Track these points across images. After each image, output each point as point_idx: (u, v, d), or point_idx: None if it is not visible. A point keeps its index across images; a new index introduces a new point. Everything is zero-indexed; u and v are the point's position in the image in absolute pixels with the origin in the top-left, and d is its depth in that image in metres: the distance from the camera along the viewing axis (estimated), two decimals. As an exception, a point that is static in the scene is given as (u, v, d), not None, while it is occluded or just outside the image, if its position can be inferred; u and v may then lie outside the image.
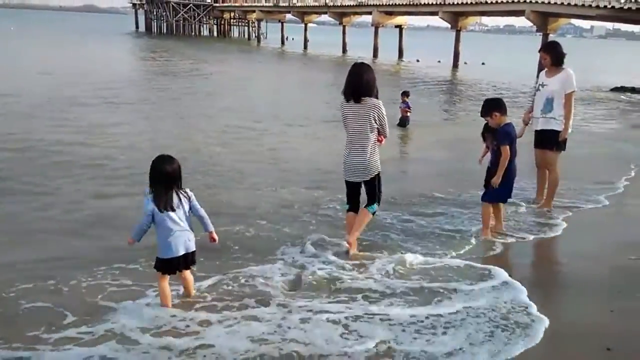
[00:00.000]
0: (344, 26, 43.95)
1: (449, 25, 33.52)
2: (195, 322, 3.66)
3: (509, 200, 5.68)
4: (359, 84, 4.61)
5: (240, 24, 66.48)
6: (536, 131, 6.25)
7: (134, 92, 16.07)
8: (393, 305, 3.96)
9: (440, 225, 5.68)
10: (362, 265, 4.65)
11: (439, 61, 36.54)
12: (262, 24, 59.16)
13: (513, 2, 27.22)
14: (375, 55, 38.00)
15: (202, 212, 3.78)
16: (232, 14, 64.65)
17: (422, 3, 33.32)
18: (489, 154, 5.47)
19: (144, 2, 70.47)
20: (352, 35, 45.21)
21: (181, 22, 63.48)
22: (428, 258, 4.78)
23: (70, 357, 3.24)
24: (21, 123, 10.29)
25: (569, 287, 4.48)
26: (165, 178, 3.60)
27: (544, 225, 5.81)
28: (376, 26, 38.41)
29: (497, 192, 5.29)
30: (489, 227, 5.41)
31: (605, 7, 22.03)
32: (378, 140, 4.74)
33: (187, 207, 3.68)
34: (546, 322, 3.68)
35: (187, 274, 3.88)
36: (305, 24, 49.36)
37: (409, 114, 11.57)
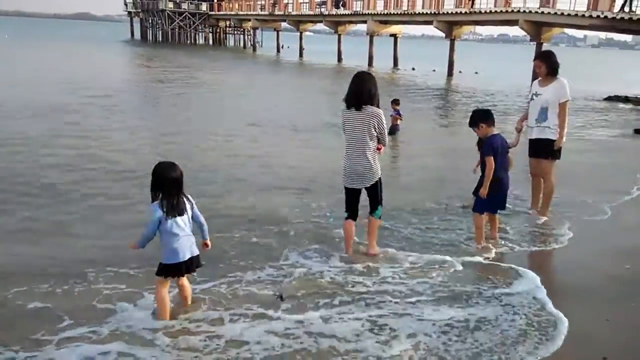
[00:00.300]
0: (339, 35, 44.14)
1: (444, 35, 33.73)
2: (207, 321, 3.78)
3: (505, 209, 5.71)
4: (361, 92, 4.68)
5: (235, 32, 66.60)
6: (531, 140, 6.28)
7: (132, 99, 16.06)
8: (416, 305, 4.12)
9: (431, 235, 5.68)
10: (372, 269, 4.74)
11: (434, 70, 36.78)
12: (258, 32, 59.34)
13: (507, 11, 27.41)
14: (370, 63, 38.14)
15: (202, 219, 3.87)
16: (228, 23, 64.77)
17: (417, 12, 33.50)
18: None
19: (139, 10, 70.55)
20: (347, 44, 45.38)
21: (177, 30, 63.50)
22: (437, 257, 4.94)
23: (83, 353, 3.35)
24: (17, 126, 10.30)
25: (565, 296, 4.48)
26: (173, 183, 3.63)
27: (539, 235, 5.84)
28: (371, 35, 38.59)
29: (487, 203, 5.31)
30: (483, 236, 5.42)
31: (598, 16, 22.22)
32: (377, 149, 4.79)
33: (190, 213, 3.73)
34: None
35: (186, 281, 3.90)
36: (301, 33, 49.52)
37: (399, 121, 11.58)
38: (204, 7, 63.83)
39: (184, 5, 63.69)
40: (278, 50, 54.14)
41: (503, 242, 5.50)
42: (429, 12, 32.49)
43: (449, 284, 4.50)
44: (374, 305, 4.10)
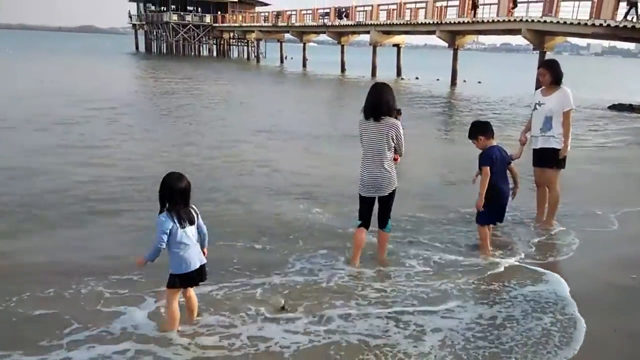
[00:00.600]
0: (342, 45, 44.37)
1: (447, 44, 33.84)
2: (219, 323, 3.89)
3: (512, 220, 5.70)
4: (380, 103, 4.75)
5: (239, 43, 67.05)
6: (535, 150, 6.27)
7: (137, 110, 16.14)
8: (436, 303, 4.31)
9: (435, 244, 5.69)
10: (384, 273, 4.88)
11: (438, 79, 36.94)
12: (261, 43, 59.70)
13: (509, 21, 27.47)
14: (373, 73, 38.28)
15: (205, 230, 3.85)
16: (232, 34, 65.24)
17: (420, 23, 33.64)
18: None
19: (143, 22, 71.14)
20: (350, 54, 45.58)
21: (181, 42, 63.97)
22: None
23: (99, 352, 3.48)
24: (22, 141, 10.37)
25: (572, 307, 4.45)
26: (181, 194, 3.65)
27: (545, 245, 5.81)
28: (374, 45, 38.75)
29: (488, 214, 5.31)
30: (489, 247, 5.42)
31: (600, 25, 22.24)
32: (394, 159, 4.87)
33: (196, 223, 3.76)
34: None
35: (193, 292, 3.91)
36: (304, 44, 49.81)
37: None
38: (208, 19, 64.34)
39: (188, 18, 64.21)
40: (282, 61, 54.42)
41: (509, 253, 5.49)
42: (431, 22, 32.62)
43: (467, 285, 4.59)
44: (393, 304, 4.25)
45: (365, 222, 5.00)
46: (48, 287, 4.36)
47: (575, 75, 39.04)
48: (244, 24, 58.37)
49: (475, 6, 29.82)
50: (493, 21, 28.57)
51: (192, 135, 12.41)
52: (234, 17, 61.00)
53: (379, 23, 37.51)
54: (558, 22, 24.54)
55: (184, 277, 3.69)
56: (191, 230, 3.69)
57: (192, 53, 64.85)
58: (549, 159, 6.13)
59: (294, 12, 48.93)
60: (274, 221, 6.32)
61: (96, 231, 5.85)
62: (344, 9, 41.55)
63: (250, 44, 62.73)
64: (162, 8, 65.77)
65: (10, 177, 7.88)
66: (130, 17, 73.88)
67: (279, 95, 24.60)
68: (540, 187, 6.42)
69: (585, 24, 23.01)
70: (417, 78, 37.63)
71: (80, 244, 5.48)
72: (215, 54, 67.07)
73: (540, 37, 26.64)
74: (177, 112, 16.28)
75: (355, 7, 40.61)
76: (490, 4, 29.29)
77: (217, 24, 63.64)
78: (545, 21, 25.19)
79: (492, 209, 5.29)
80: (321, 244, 5.53)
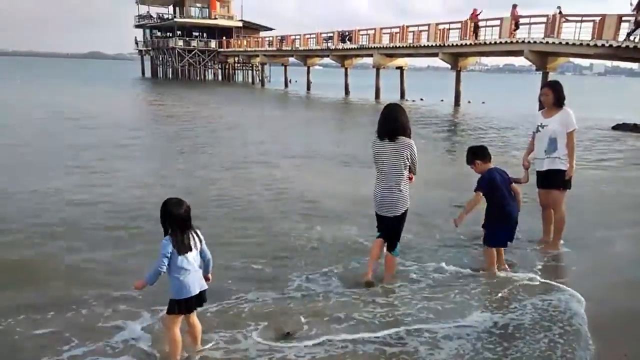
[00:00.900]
0: (346, 68, 44.76)
1: (449, 66, 34.07)
2: (223, 340, 3.99)
3: (517, 241, 5.67)
4: (396, 124, 4.84)
5: (244, 68, 67.75)
6: (540, 172, 6.24)
7: (145, 135, 16.27)
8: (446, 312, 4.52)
9: (439, 265, 5.68)
10: (389, 290, 4.97)
11: (442, 100, 37.30)
12: (266, 67, 60.28)
13: (511, 42, 27.67)
14: (377, 96, 38.53)
15: (209, 256, 3.85)
16: (236, 59, 65.97)
17: (422, 45, 33.92)
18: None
19: (149, 48, 72.11)
20: (354, 77, 45.99)
21: (186, 67, 64.68)
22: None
23: None
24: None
25: (578, 333, 4.38)
26: (180, 221, 3.65)
27: (552, 267, 5.75)
28: (377, 68, 39.06)
29: (497, 236, 5.29)
30: (495, 266, 5.42)
31: (603, 45, 22.34)
32: (409, 178, 4.94)
33: (199, 248, 3.74)
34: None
35: (196, 319, 3.86)
36: (308, 67, 50.29)
37: None
38: (213, 44, 65.14)
39: (194, 43, 65.01)
40: (286, 85, 54.90)
41: (515, 275, 5.43)
42: (434, 44, 32.89)
43: (469, 305, 4.59)
44: (404, 316, 4.42)
45: (383, 233, 5.12)
46: (47, 309, 4.45)
47: (578, 96, 39.12)
48: (249, 49, 59.05)
49: (477, 28, 30.10)
50: (495, 43, 28.79)
51: (202, 157, 12.55)
52: (239, 42, 61.74)
53: (381, 46, 37.85)
54: (560, 42, 24.66)
55: (184, 302, 3.67)
56: (192, 255, 3.67)
57: (198, 77, 65.49)
58: (555, 181, 6.10)
59: (297, 37, 49.50)
60: (278, 240, 6.42)
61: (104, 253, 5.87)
62: (347, 33, 42.01)
63: (254, 68, 63.36)
64: (168, 34, 66.70)
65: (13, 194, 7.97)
66: (136, 43, 74.85)
67: (285, 119, 24.76)
68: (546, 209, 6.38)
69: (588, 45, 23.12)
70: (422, 99, 38.03)
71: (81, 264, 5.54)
72: (220, 78, 67.72)
73: (542, 57, 26.77)
74: (186, 135, 16.46)
75: (358, 30, 41.05)
76: (492, 26, 29.54)
77: (222, 49, 64.40)
78: (547, 42, 25.34)
79: (501, 231, 5.27)
80: (325, 263, 5.61)
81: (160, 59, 69.99)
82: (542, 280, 5.32)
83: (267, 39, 57.09)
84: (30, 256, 5.79)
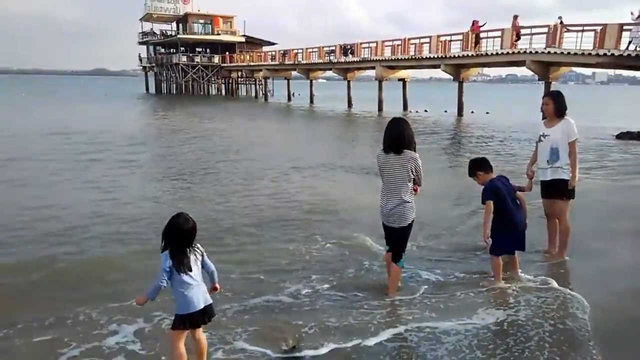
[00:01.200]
0: (348, 81, 44.99)
1: (452, 77, 34.22)
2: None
3: (523, 252, 5.65)
4: (401, 137, 4.93)
5: (247, 82, 68.20)
6: (543, 182, 6.25)
7: (152, 150, 16.38)
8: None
9: (442, 276, 5.71)
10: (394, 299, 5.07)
11: (445, 111, 37.51)
12: (269, 81, 60.66)
13: (513, 53, 27.78)
14: (380, 108, 38.66)
15: (213, 267, 3.83)
16: (240, 73, 66.44)
17: (424, 57, 34.10)
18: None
19: (153, 64, 72.74)
20: (357, 89, 46.26)
21: (190, 82, 65.19)
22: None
23: None
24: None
25: (583, 340, 4.36)
26: (183, 238, 3.64)
27: (558, 277, 5.73)
28: (380, 80, 39.24)
29: (503, 244, 5.32)
30: (501, 276, 5.42)
31: (605, 54, 22.40)
32: (414, 190, 5.04)
33: (199, 263, 3.72)
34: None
35: (202, 335, 3.83)
36: (311, 80, 50.61)
37: None
38: (216, 59, 65.69)
39: (197, 59, 65.63)
40: (289, 99, 55.21)
41: (520, 285, 5.43)
42: (436, 56, 33.05)
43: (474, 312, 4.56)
44: (407, 321, 4.56)
45: (391, 248, 5.19)
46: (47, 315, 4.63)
47: (581, 105, 39.19)
48: (252, 63, 59.47)
49: (478, 40, 30.25)
50: (497, 54, 28.91)
51: (210, 170, 12.68)
52: (242, 57, 62.21)
53: (383, 58, 38.06)
54: (562, 52, 24.75)
55: (188, 317, 3.64)
56: (194, 271, 3.66)
57: (202, 92, 66.00)
58: (558, 190, 6.10)
59: (300, 51, 49.84)
60: (278, 250, 6.53)
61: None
62: (349, 46, 42.27)
63: (258, 82, 63.79)
64: (172, 50, 67.33)
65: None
66: (140, 59, 75.58)
67: (289, 132, 24.88)
68: (551, 219, 6.37)
69: (590, 54, 23.18)
70: (426, 111, 38.23)
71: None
72: (224, 93, 68.18)
73: (544, 67, 26.86)
74: (192, 148, 16.58)
75: (360, 43, 41.31)
76: (494, 37, 29.69)
77: (225, 64, 64.90)
78: (549, 52, 25.43)
79: (508, 239, 5.31)
80: (328, 274, 5.67)
81: (164, 74, 70.60)
82: (547, 287, 5.34)
83: (269, 53, 57.52)
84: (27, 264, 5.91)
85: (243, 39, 65.69)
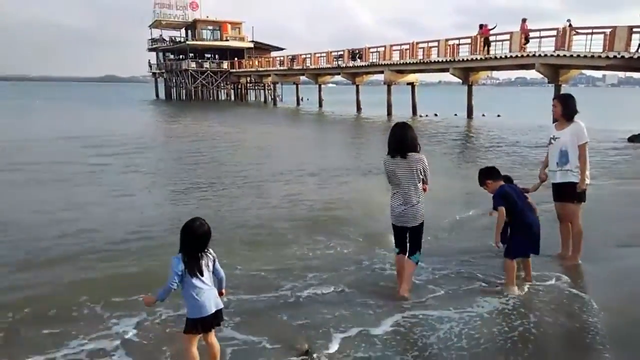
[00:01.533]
0: (357, 85, 45.08)
1: (460, 81, 34.18)
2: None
3: (535, 255, 5.63)
4: (405, 141, 5.07)
5: (256, 87, 68.51)
6: (554, 184, 6.23)
7: (161, 155, 16.51)
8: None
9: (451, 280, 5.73)
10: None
11: (455, 114, 37.42)
12: (278, 86, 60.90)
13: (522, 56, 27.69)
14: (389, 112, 38.63)
15: (222, 273, 3.87)
16: (248, 79, 66.78)
17: (433, 61, 34.09)
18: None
19: (163, 70, 73.27)
20: (365, 93, 46.30)
21: (200, 88, 65.60)
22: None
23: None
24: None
25: (596, 344, 4.34)
26: (197, 242, 3.67)
27: (570, 280, 5.70)
28: (388, 84, 39.25)
29: (516, 247, 5.33)
30: (514, 280, 5.39)
31: (614, 57, 22.28)
32: (423, 189, 5.17)
33: (211, 268, 3.75)
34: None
35: (214, 338, 3.85)
36: (319, 85, 50.75)
37: None
38: (225, 65, 66.08)
39: (206, 65, 66.05)
40: (298, 103, 55.39)
41: (533, 288, 5.42)
42: (444, 60, 33.03)
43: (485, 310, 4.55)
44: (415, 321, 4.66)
45: (402, 248, 5.33)
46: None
47: (592, 108, 38.94)
48: (260, 69, 59.74)
49: (487, 43, 30.19)
50: (506, 57, 28.84)
51: (222, 174, 12.82)
52: (251, 62, 62.52)
53: (392, 63, 38.08)
54: (572, 55, 24.64)
55: (200, 321, 3.67)
56: (205, 275, 3.68)
57: (211, 98, 66.39)
58: (568, 193, 6.08)
59: (308, 56, 50.01)
60: (287, 252, 6.61)
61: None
62: (357, 51, 42.36)
63: (267, 87, 64.06)
64: (181, 56, 67.85)
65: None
66: (150, 66, 76.17)
67: (299, 136, 24.94)
68: (563, 222, 6.34)
69: (599, 57, 23.07)
70: (436, 115, 38.12)
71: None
72: (233, 98, 68.53)
73: (554, 70, 26.75)
74: (204, 152, 16.72)
75: (369, 48, 41.36)
76: (503, 40, 29.62)
77: (234, 70, 65.26)
78: (558, 55, 25.33)
79: (523, 242, 5.32)
80: (341, 276, 5.68)
81: (174, 80, 71.10)
82: (560, 291, 5.34)
83: (278, 58, 57.78)
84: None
85: (251, 45, 66.05)
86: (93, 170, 13.31)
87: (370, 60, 40.81)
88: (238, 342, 4.34)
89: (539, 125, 26.46)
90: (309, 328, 4.56)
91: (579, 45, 24.79)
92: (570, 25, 25.41)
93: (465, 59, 31.84)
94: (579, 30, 25.20)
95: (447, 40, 33.51)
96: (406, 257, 5.29)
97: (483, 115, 36.01)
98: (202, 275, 3.65)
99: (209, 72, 65.46)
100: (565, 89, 26.94)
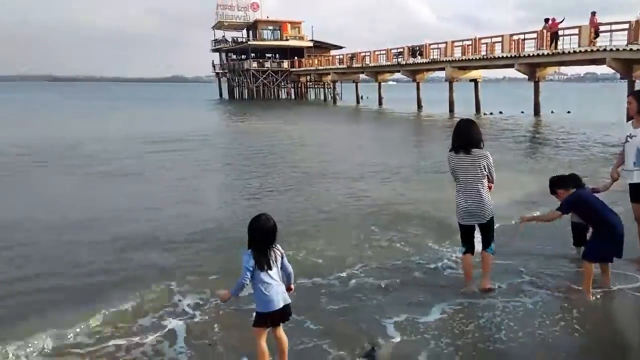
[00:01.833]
0: (417, 83, 44.55)
1: (526, 77, 33.07)
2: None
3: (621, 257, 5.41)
4: (469, 137, 5.09)
5: (315, 86, 69.06)
6: (631, 184, 5.99)
7: (233, 148, 17.10)
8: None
9: (525, 282, 5.64)
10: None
11: (522, 112, 36.19)
12: (337, 85, 61.12)
13: (592, 51, 26.50)
14: (451, 109, 37.93)
15: (290, 269, 3.94)
16: (308, 77, 67.40)
17: (497, 57, 33.19)
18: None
19: (226, 71, 75.20)
20: (427, 90, 45.68)
21: (261, 87, 66.86)
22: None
23: None
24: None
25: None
26: (264, 237, 3.77)
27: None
28: (450, 81, 38.56)
29: (594, 250, 5.14)
30: (590, 286, 5.17)
31: (695, 49, 20.97)
32: (488, 187, 5.14)
33: (279, 264, 3.83)
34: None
35: (282, 333, 3.91)
36: (379, 83, 50.54)
37: None
38: (285, 64, 67.03)
39: (267, 64, 67.26)
40: (357, 102, 55.41)
41: (609, 293, 5.28)
42: (509, 55, 32.10)
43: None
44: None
45: (469, 247, 5.29)
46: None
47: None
48: (320, 67, 60.16)
49: (555, 38, 29.05)
50: (574, 52, 27.68)
51: (287, 172, 13.20)
52: (310, 61, 63.09)
53: (454, 59, 37.37)
54: (646, 49, 23.37)
55: (267, 316, 3.76)
56: (274, 270, 3.76)
57: (272, 97, 67.53)
58: (646, 194, 5.85)
59: (368, 54, 49.90)
60: (354, 249, 6.73)
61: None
62: (417, 47, 41.86)
63: (326, 86, 64.45)
64: (243, 56, 69.39)
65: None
66: (213, 66, 78.30)
67: (361, 133, 25.03)
68: (641, 223, 6.09)
69: (678, 49, 21.76)
70: (500, 112, 36.98)
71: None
72: (293, 97, 69.40)
73: (627, 65, 25.40)
74: (270, 150, 17.30)
75: (429, 44, 40.78)
76: (570, 35, 28.43)
77: (294, 69, 66.07)
78: (631, 49, 24.06)
79: (600, 246, 5.12)
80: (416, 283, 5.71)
81: (236, 80, 72.84)
82: (637, 297, 5.15)
83: (337, 57, 58.03)
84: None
85: (311, 44, 66.61)
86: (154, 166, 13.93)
87: (431, 57, 40.23)
88: (302, 340, 4.41)
89: (611, 123, 25.20)
90: (367, 322, 4.68)
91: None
92: (645, 17, 24.08)
93: (531, 55, 30.82)
94: (655, 22, 23.84)
95: (511, 35, 32.52)
96: (482, 250, 5.29)
97: (552, 112, 34.65)
98: (270, 269, 3.75)
99: (269, 71, 66.59)
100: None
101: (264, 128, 27.12)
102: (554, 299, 5.16)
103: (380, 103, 49.67)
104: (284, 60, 67.45)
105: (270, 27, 68.57)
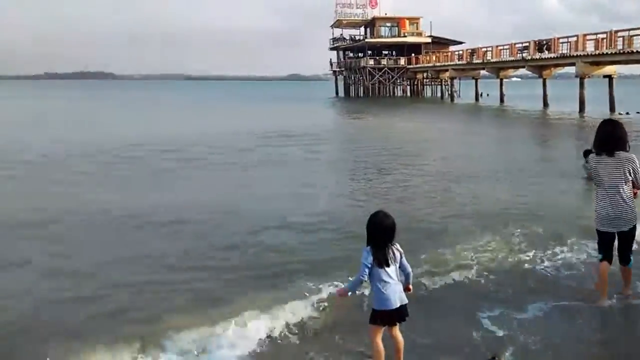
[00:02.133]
0: (544, 79, 42.02)
1: (672, 72, 29.86)
2: None
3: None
4: (613, 139, 4.84)
5: (432, 83, 67.72)
6: None
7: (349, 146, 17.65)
8: None
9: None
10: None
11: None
12: (455, 81, 59.44)
13: None
14: (581, 109, 35.11)
15: (409, 269, 3.97)
16: (425, 74, 66.29)
17: (635, 51, 30.28)
18: None
19: (342, 69, 76.29)
20: (553, 87, 42.95)
21: (376, 85, 66.93)
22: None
23: None
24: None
25: None
26: (382, 234, 3.81)
27: None
28: (581, 77, 35.82)
29: None
30: None
31: None
32: (633, 193, 4.87)
33: (398, 262, 3.85)
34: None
35: (398, 333, 3.92)
36: (501, 79, 48.36)
37: None
38: (402, 61, 66.47)
39: (384, 62, 67.19)
40: (477, 99, 53.52)
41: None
42: (650, 49, 29.20)
43: None
44: None
45: (606, 255, 5.03)
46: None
47: None
48: (437, 64, 58.90)
49: None
50: None
51: (407, 170, 13.41)
52: (428, 58, 62.00)
53: (585, 54, 34.69)
54: None
55: (383, 314, 3.77)
56: (392, 269, 3.78)
57: (387, 94, 67.35)
58: None
59: (489, 49, 47.94)
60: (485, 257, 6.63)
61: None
62: (544, 42, 39.44)
63: (443, 82, 62.96)
64: (360, 54, 69.95)
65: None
66: (331, 64, 79.76)
67: (482, 132, 24.34)
68: None
69: None
70: (638, 113, 33.18)
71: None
72: (408, 94, 68.64)
73: None
74: (390, 149, 17.62)
75: (558, 38, 38.21)
76: None
77: (410, 66, 65.31)
78: None
79: None
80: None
81: (352, 78, 73.60)
82: None
83: (456, 52, 56.43)
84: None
85: (429, 40, 65.33)
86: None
87: (560, 52, 37.69)
88: (417, 344, 4.45)
89: None
90: (497, 338, 4.64)
91: None
92: None
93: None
94: None
95: (654, 26, 29.54)
96: (621, 265, 5.06)
97: None
98: (388, 267, 3.76)
99: (386, 68, 66.45)
100: None
101: (382, 125, 27.48)
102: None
103: (501, 100, 47.55)
104: (401, 57, 66.86)
105: (388, 24, 68.33)
